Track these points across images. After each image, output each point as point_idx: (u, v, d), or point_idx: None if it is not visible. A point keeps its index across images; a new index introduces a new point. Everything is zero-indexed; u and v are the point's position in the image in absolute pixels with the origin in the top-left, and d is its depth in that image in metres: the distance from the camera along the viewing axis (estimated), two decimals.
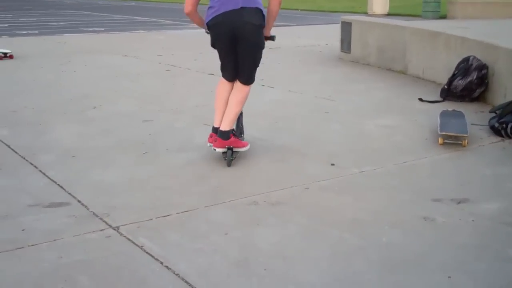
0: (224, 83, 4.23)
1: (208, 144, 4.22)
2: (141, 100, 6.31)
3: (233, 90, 4.18)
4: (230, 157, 4.08)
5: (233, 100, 4.14)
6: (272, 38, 4.26)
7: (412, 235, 3.01)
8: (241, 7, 3.90)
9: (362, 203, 3.44)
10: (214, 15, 3.97)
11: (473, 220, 3.19)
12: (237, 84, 4.18)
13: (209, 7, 4.02)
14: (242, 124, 4.44)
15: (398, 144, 4.65)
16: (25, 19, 20.12)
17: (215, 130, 4.17)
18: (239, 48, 4.04)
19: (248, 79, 4.16)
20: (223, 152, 4.11)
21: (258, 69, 4.21)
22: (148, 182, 3.78)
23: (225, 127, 4.08)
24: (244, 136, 4.47)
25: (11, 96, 6.58)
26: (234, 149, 4.12)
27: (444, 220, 3.18)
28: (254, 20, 3.94)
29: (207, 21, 4.04)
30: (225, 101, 4.18)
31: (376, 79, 7.70)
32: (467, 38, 6.82)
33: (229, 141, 4.08)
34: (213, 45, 4.15)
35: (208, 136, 4.27)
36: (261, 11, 3.99)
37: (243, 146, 4.21)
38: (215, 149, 4.12)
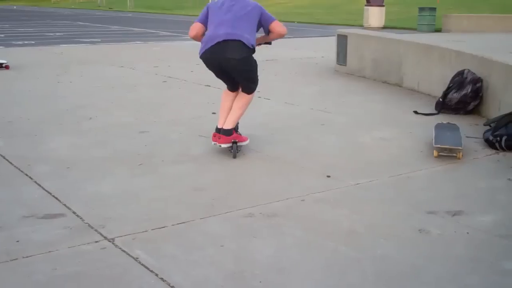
0: (227, 93, 4.68)
1: (213, 143, 4.59)
2: (137, 111, 6.32)
3: (237, 96, 4.61)
4: (235, 150, 4.52)
5: (236, 104, 4.57)
6: (268, 42, 4.66)
7: (407, 248, 3.01)
8: (223, 40, 4.25)
9: (357, 215, 3.44)
10: (202, 50, 4.39)
11: (468, 233, 3.20)
12: (240, 91, 4.57)
13: (201, 41, 4.42)
14: (237, 122, 4.80)
15: (393, 156, 4.67)
16: (21, 29, 20.16)
17: (218, 130, 4.56)
18: (230, 74, 4.46)
19: (248, 90, 4.55)
20: (229, 147, 4.53)
21: None
22: (144, 194, 3.78)
23: (228, 126, 4.52)
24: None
25: (7, 106, 6.58)
26: (238, 143, 4.56)
27: (439, 233, 3.19)
28: (237, 55, 4.28)
29: (199, 55, 4.43)
30: (228, 108, 4.60)
31: (372, 91, 7.74)
32: (461, 51, 6.87)
33: (233, 137, 4.52)
34: None
35: (211, 137, 4.64)
36: (244, 44, 4.28)
37: (244, 140, 4.66)
38: (220, 146, 4.53)
